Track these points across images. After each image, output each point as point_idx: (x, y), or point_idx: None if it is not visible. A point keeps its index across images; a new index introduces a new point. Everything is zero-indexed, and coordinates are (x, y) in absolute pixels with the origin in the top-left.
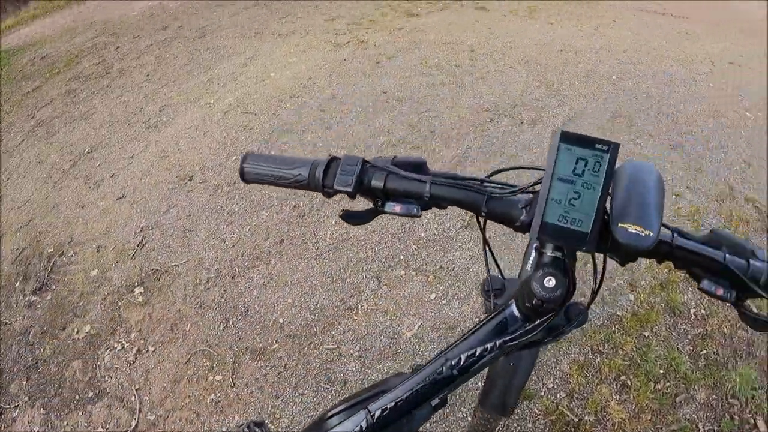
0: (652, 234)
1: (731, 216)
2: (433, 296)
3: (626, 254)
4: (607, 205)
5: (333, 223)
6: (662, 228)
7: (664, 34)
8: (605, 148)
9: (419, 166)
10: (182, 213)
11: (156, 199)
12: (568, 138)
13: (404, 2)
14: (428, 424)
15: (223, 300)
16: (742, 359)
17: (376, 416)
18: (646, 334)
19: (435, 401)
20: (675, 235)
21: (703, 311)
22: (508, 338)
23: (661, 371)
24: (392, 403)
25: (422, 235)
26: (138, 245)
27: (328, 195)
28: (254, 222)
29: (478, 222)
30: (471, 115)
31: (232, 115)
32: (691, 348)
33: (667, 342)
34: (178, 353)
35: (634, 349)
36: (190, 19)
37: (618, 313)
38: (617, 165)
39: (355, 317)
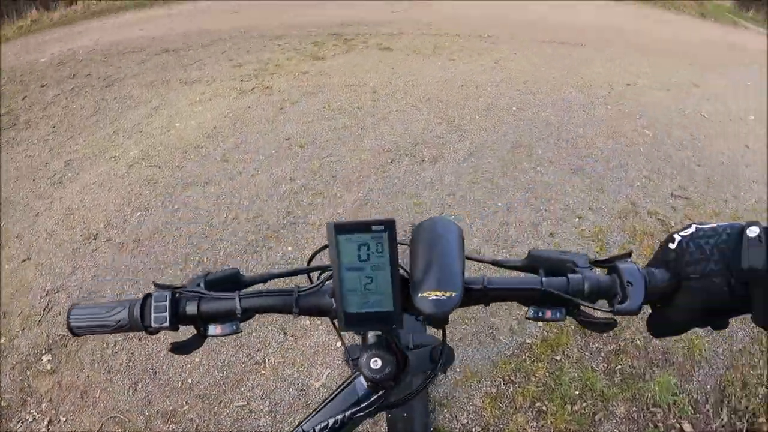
0: (454, 294)
1: (635, 231)
2: (339, 344)
3: (436, 320)
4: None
5: None
6: (474, 275)
7: (563, 62)
8: (381, 228)
9: (233, 277)
10: (87, 274)
11: (61, 259)
12: (343, 229)
13: (310, 46)
14: None
15: (131, 363)
16: (658, 368)
17: None
18: (558, 357)
19: None
20: (485, 279)
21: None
22: (356, 410)
23: (577, 392)
24: None
25: None
26: (44, 310)
27: (152, 333)
28: (159, 281)
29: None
30: (372, 156)
31: (137, 168)
32: (606, 365)
33: (580, 362)
34: (89, 421)
35: (547, 374)
36: (98, 67)
37: (527, 341)
38: (419, 224)
39: (263, 371)
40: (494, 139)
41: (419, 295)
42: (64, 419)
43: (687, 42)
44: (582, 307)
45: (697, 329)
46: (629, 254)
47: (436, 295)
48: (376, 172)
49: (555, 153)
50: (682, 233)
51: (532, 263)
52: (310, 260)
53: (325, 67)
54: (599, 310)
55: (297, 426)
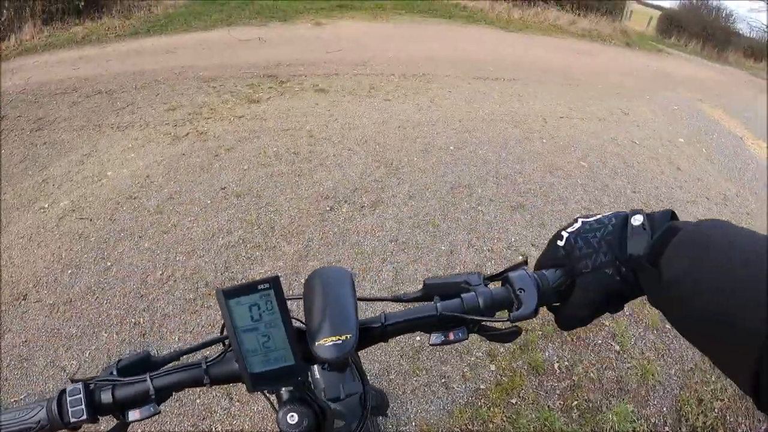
0: (350, 337)
1: None
2: None
3: (336, 365)
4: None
5: (176, 339)
6: (373, 315)
7: (497, 98)
8: (267, 286)
9: (145, 360)
10: (17, 340)
11: None
12: (231, 293)
13: (246, 88)
14: None
15: None
16: (614, 398)
17: None
18: (514, 400)
19: None
20: (383, 316)
21: (566, 363)
22: None
23: None
24: None
25: None
26: None
27: (74, 429)
28: (94, 345)
29: None
30: (311, 204)
31: (68, 221)
32: (562, 402)
33: (536, 403)
34: None
35: (504, 418)
36: (29, 108)
37: (481, 386)
38: (309, 276)
39: None
40: (433, 180)
41: (316, 343)
42: None
43: (615, 71)
44: (483, 323)
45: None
46: (525, 262)
47: (333, 341)
48: (316, 221)
49: (495, 191)
50: (569, 230)
51: (429, 291)
52: (222, 329)
53: (260, 111)
54: (496, 321)
55: None
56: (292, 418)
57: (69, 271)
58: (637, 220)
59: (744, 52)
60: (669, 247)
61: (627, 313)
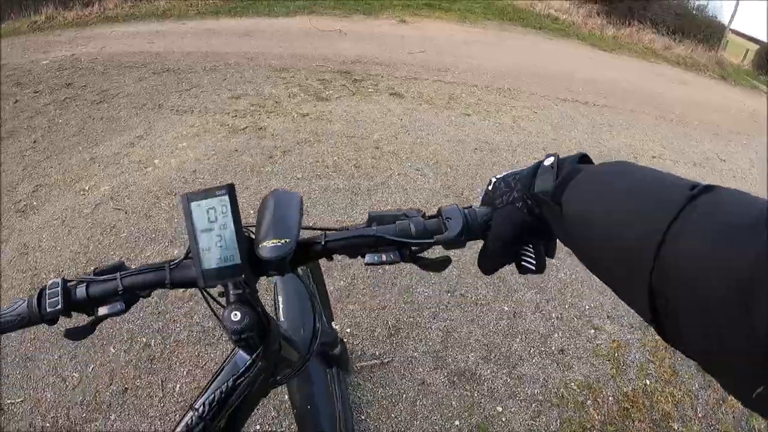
0: (289, 240)
1: (657, 346)
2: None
3: (278, 267)
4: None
5: (185, 373)
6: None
7: (586, 125)
8: (223, 191)
9: (119, 266)
10: (26, 335)
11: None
12: (193, 197)
13: (316, 83)
14: None
15: None
16: None
17: None
18: None
19: None
20: (324, 234)
21: None
22: (237, 375)
23: None
24: None
25: None
26: None
27: (50, 323)
28: (98, 360)
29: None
30: None
31: (103, 209)
32: None
33: None
34: None
35: None
36: (96, 79)
37: None
38: (264, 197)
39: None
40: None
41: (260, 245)
42: None
43: (710, 107)
44: (415, 249)
45: None
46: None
47: (273, 243)
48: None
49: None
50: (498, 176)
51: (371, 221)
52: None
53: (327, 111)
54: (422, 243)
55: (189, 409)
56: (236, 315)
57: (92, 268)
58: (548, 161)
59: None
60: (570, 184)
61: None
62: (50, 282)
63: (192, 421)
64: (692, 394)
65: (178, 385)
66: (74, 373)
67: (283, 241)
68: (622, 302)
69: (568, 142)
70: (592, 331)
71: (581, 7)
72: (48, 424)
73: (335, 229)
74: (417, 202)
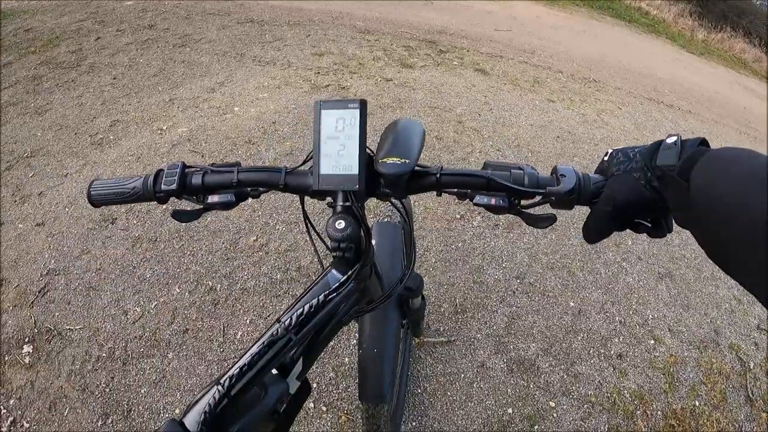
0: (409, 161)
1: (711, 368)
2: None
3: (393, 185)
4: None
5: (248, 321)
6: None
7: (669, 129)
8: (355, 105)
9: (235, 164)
10: (92, 265)
11: (73, 237)
12: (325, 105)
13: (401, 49)
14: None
15: (108, 389)
16: None
17: (225, 386)
18: None
19: (292, 382)
20: (440, 166)
21: None
22: (328, 291)
23: None
24: (237, 370)
25: None
26: (40, 292)
27: (160, 201)
28: (163, 298)
29: (301, 202)
30: (440, 206)
31: (179, 150)
32: None
33: None
34: None
35: None
36: (179, 23)
37: None
38: (391, 122)
39: None
40: (583, 214)
41: (380, 161)
42: (27, 426)
43: None
44: (525, 199)
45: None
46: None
47: (393, 161)
48: (439, 231)
49: (645, 247)
50: (615, 147)
51: (485, 167)
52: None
53: (411, 78)
54: (534, 191)
55: (275, 321)
56: (339, 224)
57: (164, 207)
58: (671, 139)
59: None
60: (700, 160)
61: None
62: (170, 164)
63: (277, 332)
64: (737, 423)
65: (239, 333)
66: (136, 308)
67: (403, 160)
68: (685, 317)
69: (649, 142)
70: (652, 341)
71: (674, 5)
72: (104, 354)
73: (441, 167)
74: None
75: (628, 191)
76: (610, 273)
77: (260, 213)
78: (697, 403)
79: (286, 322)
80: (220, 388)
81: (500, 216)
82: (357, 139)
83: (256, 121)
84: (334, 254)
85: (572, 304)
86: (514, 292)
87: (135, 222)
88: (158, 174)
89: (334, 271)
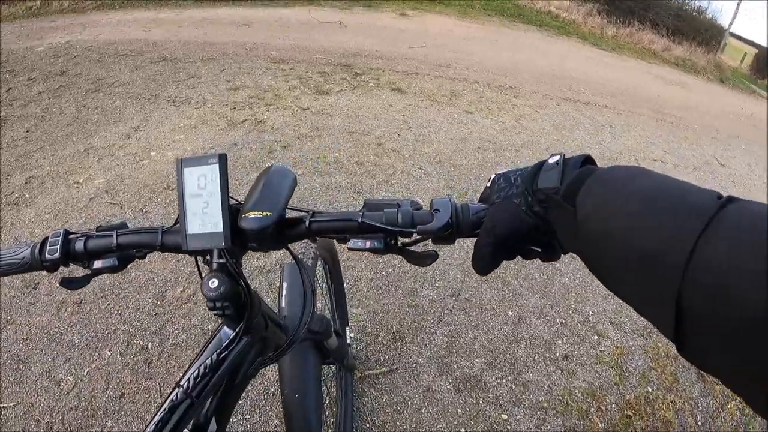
0: (271, 214)
1: (658, 353)
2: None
3: (258, 239)
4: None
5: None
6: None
7: (588, 126)
8: (215, 161)
9: (121, 225)
10: (19, 335)
11: None
12: (186, 162)
13: (316, 76)
14: None
15: None
16: None
17: None
18: None
19: None
20: (311, 212)
21: None
22: (220, 349)
23: None
24: None
25: None
26: None
27: (48, 270)
28: (94, 363)
29: (195, 261)
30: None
31: (97, 203)
32: None
33: None
34: None
35: None
36: (91, 67)
37: None
38: (263, 170)
39: None
40: None
41: (242, 215)
42: None
43: (709, 110)
44: (402, 240)
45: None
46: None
47: (254, 215)
48: (368, 256)
49: None
50: (498, 172)
51: (365, 207)
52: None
53: (328, 105)
54: (405, 231)
55: (175, 386)
56: (213, 283)
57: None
58: (553, 159)
59: None
60: (586, 183)
61: None
62: (54, 232)
63: (177, 397)
64: (693, 401)
65: None
66: (68, 377)
67: (265, 213)
68: (625, 307)
69: (571, 142)
70: (596, 337)
71: (582, 6)
72: (42, 431)
73: (323, 212)
74: (419, 202)
75: (509, 219)
76: (545, 276)
77: (184, 262)
78: (650, 389)
79: (185, 385)
80: None
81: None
82: (219, 196)
83: (173, 165)
84: (213, 313)
85: (511, 313)
86: (450, 311)
87: (57, 285)
88: (44, 242)
89: (225, 328)
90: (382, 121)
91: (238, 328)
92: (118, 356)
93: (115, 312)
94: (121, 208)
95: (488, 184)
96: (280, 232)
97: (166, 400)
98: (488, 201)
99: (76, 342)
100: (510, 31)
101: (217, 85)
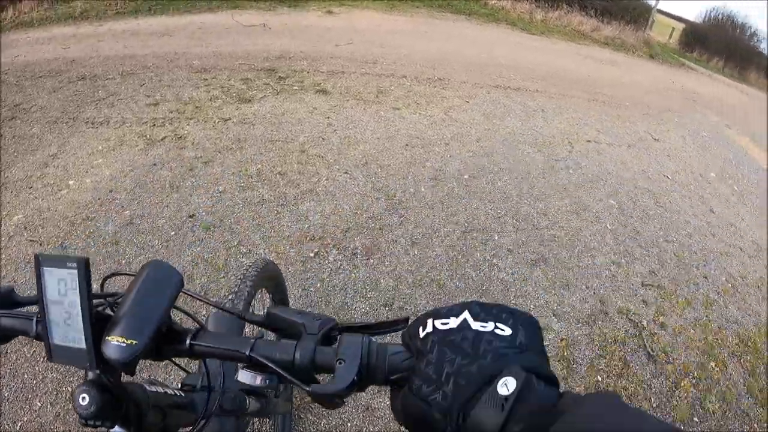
0: (136, 343)
1: (605, 339)
2: None
3: (124, 368)
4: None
5: None
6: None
7: (519, 112)
8: (73, 265)
9: (7, 294)
10: None
11: None
12: (45, 261)
13: (239, 83)
14: None
15: None
16: None
17: None
18: None
19: None
20: (195, 331)
21: None
22: None
23: None
24: None
25: None
26: None
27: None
28: (26, 417)
29: None
30: (292, 247)
31: (17, 241)
32: None
33: None
34: None
35: None
36: (7, 92)
37: None
38: (143, 266)
39: None
40: (442, 220)
41: (105, 338)
42: None
43: (641, 86)
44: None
45: None
46: (405, 320)
47: (119, 341)
48: (296, 272)
49: (514, 237)
50: (417, 315)
51: (269, 322)
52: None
53: (250, 113)
54: (295, 384)
55: None
56: (84, 399)
57: None
58: (503, 387)
59: (765, 72)
60: None
61: None
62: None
63: None
64: (645, 384)
65: None
66: None
67: (130, 342)
68: (568, 297)
69: (502, 130)
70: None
71: None
72: None
73: (202, 327)
74: (347, 209)
75: (418, 419)
76: (481, 274)
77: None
78: (600, 378)
79: None
80: None
81: (357, 243)
82: (79, 309)
83: (92, 193)
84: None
85: None
86: (385, 318)
87: None
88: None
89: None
90: (306, 125)
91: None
92: None
93: None
94: (41, 245)
95: (426, 331)
96: (158, 347)
97: None
98: (412, 348)
99: None
100: (439, 21)
101: (137, 102)
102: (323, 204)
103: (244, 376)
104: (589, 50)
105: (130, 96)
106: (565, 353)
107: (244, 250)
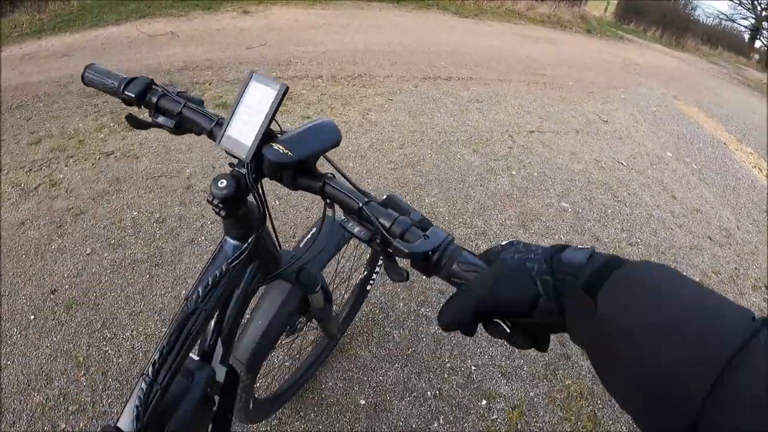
0: (292, 155)
1: (569, 394)
2: None
3: (271, 170)
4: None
5: None
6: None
7: (451, 106)
8: (276, 86)
9: (193, 101)
10: None
11: None
12: (257, 77)
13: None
14: None
15: None
16: None
17: (150, 373)
18: None
19: (218, 368)
20: (331, 175)
21: None
22: (230, 260)
23: None
24: (158, 354)
25: None
26: None
27: (124, 102)
28: None
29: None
30: (164, 324)
31: None
32: None
33: None
34: None
35: None
36: None
37: None
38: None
39: None
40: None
41: (272, 144)
42: None
43: (582, 63)
44: (386, 238)
45: None
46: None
47: (278, 148)
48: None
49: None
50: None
51: (387, 203)
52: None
53: (136, 144)
54: (386, 238)
55: (183, 300)
56: (221, 183)
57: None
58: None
59: (701, 38)
60: (609, 279)
61: None
62: (142, 77)
63: (187, 308)
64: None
65: None
66: None
67: (288, 152)
68: (519, 353)
69: (430, 131)
70: (484, 401)
71: None
72: None
73: (350, 180)
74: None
75: (515, 281)
76: (407, 334)
77: None
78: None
79: (194, 296)
80: (146, 377)
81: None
82: (263, 117)
83: None
84: (214, 211)
85: (363, 402)
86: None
87: None
88: (130, 82)
89: (229, 240)
90: (195, 153)
91: (247, 243)
92: None
93: None
94: None
95: (502, 243)
96: (295, 175)
97: (177, 315)
98: (490, 259)
99: None
100: (363, 11)
101: (19, 141)
102: (206, 257)
103: (344, 222)
104: (526, 29)
105: (12, 134)
106: (519, 425)
107: (109, 334)
